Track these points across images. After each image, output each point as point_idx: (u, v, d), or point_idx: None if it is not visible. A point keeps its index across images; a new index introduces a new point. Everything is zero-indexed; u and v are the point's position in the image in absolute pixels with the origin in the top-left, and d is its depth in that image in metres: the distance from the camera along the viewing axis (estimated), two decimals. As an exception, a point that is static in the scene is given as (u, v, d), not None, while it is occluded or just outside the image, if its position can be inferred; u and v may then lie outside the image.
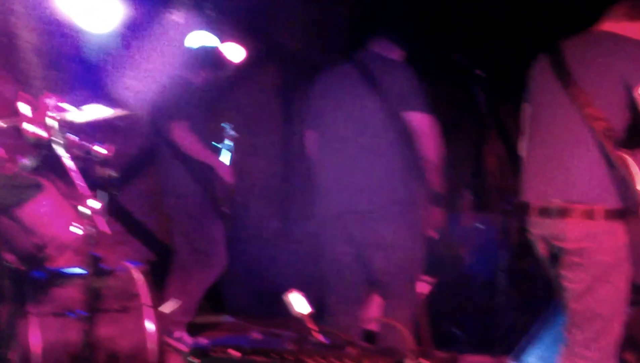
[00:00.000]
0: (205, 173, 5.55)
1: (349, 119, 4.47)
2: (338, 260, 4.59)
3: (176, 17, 6.55)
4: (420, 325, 5.02)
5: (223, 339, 3.63)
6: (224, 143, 6.02)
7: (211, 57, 5.91)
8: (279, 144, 9.02)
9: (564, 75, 3.62)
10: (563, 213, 3.55)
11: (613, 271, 3.54)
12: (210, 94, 6.08)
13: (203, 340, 5.41)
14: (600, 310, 3.56)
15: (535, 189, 3.71)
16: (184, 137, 5.45)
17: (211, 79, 5.89)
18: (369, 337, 4.94)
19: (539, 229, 3.71)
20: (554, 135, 3.66)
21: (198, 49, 5.99)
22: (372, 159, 4.40)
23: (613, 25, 3.75)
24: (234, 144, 6.04)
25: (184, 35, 6.59)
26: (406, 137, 4.43)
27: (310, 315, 3.42)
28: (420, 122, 4.43)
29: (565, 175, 3.58)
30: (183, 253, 5.78)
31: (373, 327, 5.09)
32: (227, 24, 6.69)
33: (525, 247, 8.58)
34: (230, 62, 6.03)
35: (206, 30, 6.54)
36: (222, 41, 6.55)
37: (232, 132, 6.08)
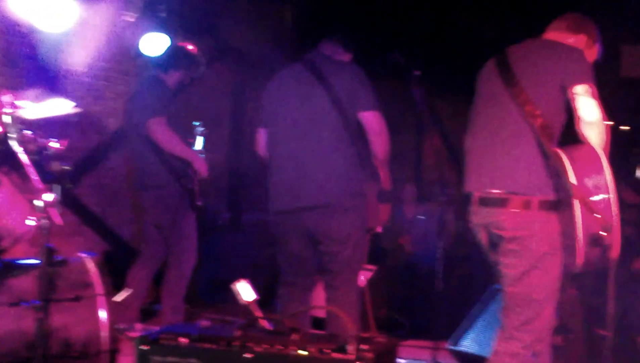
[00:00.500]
0: (183, 168, 5.52)
1: (303, 117, 4.46)
2: (291, 251, 4.58)
3: (128, 17, 6.48)
4: (364, 311, 5.05)
5: (172, 326, 3.61)
6: (194, 139, 5.98)
7: (184, 58, 5.84)
8: (228, 140, 9.01)
9: (508, 76, 3.71)
10: (502, 202, 3.62)
11: (547, 259, 3.61)
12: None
13: (153, 327, 5.38)
14: (534, 295, 3.63)
15: (477, 180, 3.77)
16: (165, 134, 5.42)
17: (184, 79, 5.83)
18: (317, 323, 4.95)
19: (480, 217, 3.76)
20: (496, 130, 3.73)
21: (171, 50, 5.92)
22: (327, 155, 4.40)
23: (555, 35, 3.88)
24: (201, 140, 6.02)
25: (136, 35, 6.54)
26: (357, 134, 4.45)
27: (257, 302, 3.42)
28: (373, 121, 4.46)
29: (505, 167, 3.65)
30: (154, 245, 5.75)
31: (320, 314, 5.10)
32: (178, 24, 6.65)
33: (462, 236, 8.69)
34: (201, 62, 5.96)
35: (159, 30, 6.49)
36: (174, 41, 6.50)
37: (201, 129, 6.05)
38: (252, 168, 5.84)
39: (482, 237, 3.80)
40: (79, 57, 6.65)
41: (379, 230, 4.77)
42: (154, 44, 6.49)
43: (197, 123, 5.97)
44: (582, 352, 5.63)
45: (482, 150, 3.77)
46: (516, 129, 3.64)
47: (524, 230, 3.59)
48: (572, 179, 3.40)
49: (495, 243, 3.72)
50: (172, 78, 5.69)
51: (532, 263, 3.60)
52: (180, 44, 6.02)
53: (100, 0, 6.44)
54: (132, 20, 6.56)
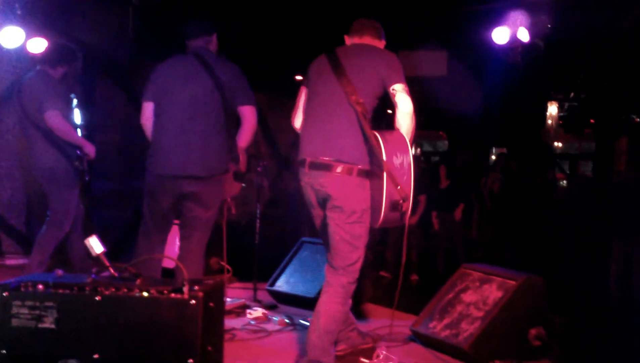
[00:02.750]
0: (73, 152, 5.22)
1: (191, 102, 4.35)
2: (160, 209, 4.46)
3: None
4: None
5: (31, 275, 3.43)
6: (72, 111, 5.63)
7: (67, 54, 5.48)
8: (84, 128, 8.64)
9: (338, 69, 3.82)
10: (329, 167, 3.74)
11: (361, 214, 3.75)
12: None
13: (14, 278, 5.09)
14: (355, 243, 3.78)
15: (310, 150, 3.85)
16: (60, 124, 5.15)
17: (67, 72, 5.48)
18: (168, 272, 4.86)
19: (310, 179, 3.84)
20: (327, 112, 3.82)
21: (56, 47, 5.53)
22: (209, 137, 4.34)
23: (369, 40, 3.99)
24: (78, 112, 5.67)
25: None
26: (230, 122, 4.41)
27: (105, 254, 3.31)
28: (251, 114, 4.46)
29: (333, 141, 3.76)
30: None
31: (169, 264, 4.99)
32: (33, 21, 6.24)
33: (274, 201, 8.79)
34: (80, 57, 5.60)
35: (14, 25, 6.08)
36: (29, 37, 6.11)
37: (76, 101, 5.68)
38: (101, 146, 5.62)
39: (311, 195, 3.90)
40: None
41: (229, 200, 4.76)
42: (10, 37, 6.09)
43: (73, 96, 5.64)
44: (369, 289, 5.86)
45: (315, 127, 3.86)
46: (343, 112, 3.76)
47: (345, 191, 3.72)
48: (384, 155, 3.59)
49: (323, 200, 3.83)
50: (58, 73, 5.40)
51: (350, 217, 3.74)
52: (62, 41, 5.66)
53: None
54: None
